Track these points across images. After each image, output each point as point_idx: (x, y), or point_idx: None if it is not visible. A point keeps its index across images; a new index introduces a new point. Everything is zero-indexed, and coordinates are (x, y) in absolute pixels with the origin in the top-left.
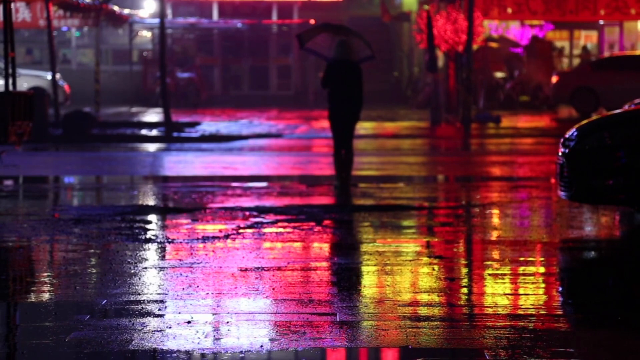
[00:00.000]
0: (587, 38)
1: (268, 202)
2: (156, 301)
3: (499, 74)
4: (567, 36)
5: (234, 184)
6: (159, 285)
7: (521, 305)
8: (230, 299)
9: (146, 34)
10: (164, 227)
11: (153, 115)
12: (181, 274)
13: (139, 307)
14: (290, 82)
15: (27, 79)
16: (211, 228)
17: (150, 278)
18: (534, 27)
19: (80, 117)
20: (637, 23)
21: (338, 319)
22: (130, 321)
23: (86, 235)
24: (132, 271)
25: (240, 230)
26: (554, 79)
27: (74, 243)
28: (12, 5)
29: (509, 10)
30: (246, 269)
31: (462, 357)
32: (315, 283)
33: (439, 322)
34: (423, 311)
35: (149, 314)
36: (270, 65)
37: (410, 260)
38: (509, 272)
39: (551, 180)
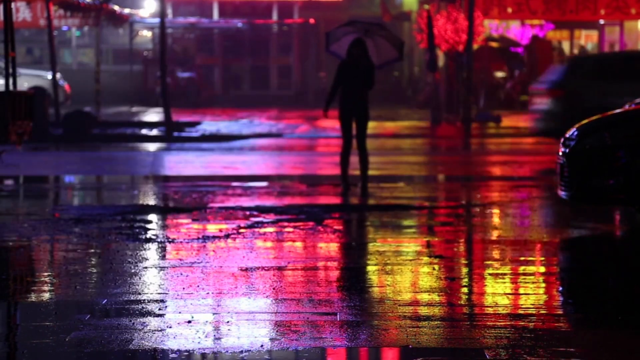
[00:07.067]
0: (587, 38)
1: (268, 202)
2: (156, 301)
3: (499, 74)
4: (568, 36)
5: (235, 184)
6: (159, 285)
7: (521, 305)
8: (230, 299)
9: (146, 34)
10: (164, 227)
11: (153, 115)
12: (181, 274)
13: (140, 306)
14: (291, 82)
15: (28, 79)
16: (212, 228)
17: (151, 278)
18: (535, 27)
19: (80, 117)
20: (637, 23)
21: (338, 319)
22: (130, 321)
23: (86, 234)
24: (133, 271)
25: (241, 230)
26: None
27: (75, 243)
28: (13, 4)
29: (509, 9)
30: (246, 269)
31: (463, 357)
32: (315, 283)
33: (439, 322)
34: (423, 311)
35: (149, 313)
36: (271, 65)
37: (410, 260)
38: (509, 271)
39: (552, 180)
